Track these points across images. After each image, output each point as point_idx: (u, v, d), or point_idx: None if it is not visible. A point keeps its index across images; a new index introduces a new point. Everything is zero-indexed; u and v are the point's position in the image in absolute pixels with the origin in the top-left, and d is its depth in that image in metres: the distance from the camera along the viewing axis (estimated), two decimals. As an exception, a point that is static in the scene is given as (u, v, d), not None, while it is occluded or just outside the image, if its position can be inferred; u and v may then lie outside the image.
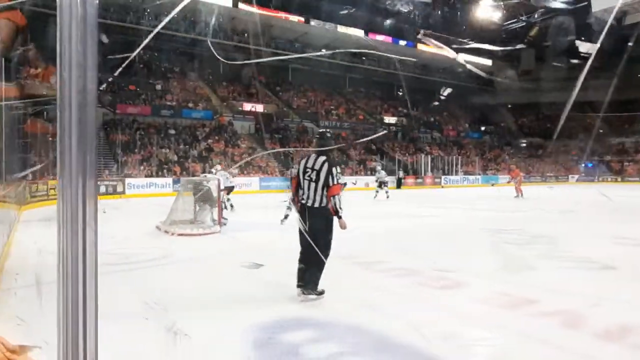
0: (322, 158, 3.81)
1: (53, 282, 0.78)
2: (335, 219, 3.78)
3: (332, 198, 3.70)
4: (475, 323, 3.40)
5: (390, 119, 36.55)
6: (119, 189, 17.82)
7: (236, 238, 7.48)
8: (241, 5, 27.64)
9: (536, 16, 34.19)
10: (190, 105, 27.57)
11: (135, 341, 2.96)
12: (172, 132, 24.96)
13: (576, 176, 34.12)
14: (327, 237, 3.80)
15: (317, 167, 3.77)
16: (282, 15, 29.75)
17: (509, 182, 17.60)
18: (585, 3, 26.83)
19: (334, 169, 3.74)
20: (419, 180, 28.30)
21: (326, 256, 3.73)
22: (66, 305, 0.70)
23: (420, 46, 35.32)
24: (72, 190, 0.67)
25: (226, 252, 6.29)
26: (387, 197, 15.90)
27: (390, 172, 27.40)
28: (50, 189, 15.07)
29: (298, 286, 3.80)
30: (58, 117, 0.64)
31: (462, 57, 33.39)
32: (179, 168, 21.44)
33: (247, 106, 29.35)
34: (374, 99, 38.92)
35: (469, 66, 3.62)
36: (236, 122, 28.79)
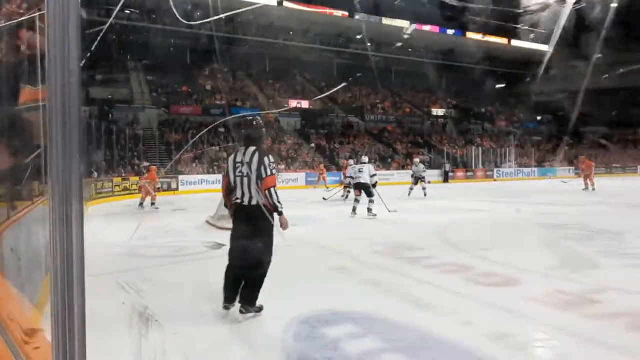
0: (252, 149, 3.29)
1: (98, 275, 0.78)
2: (276, 218, 3.27)
3: (267, 192, 3.18)
4: (528, 323, 3.20)
5: (438, 111, 35.56)
6: (173, 186, 18.72)
7: (279, 233, 7.54)
8: (286, 4, 27.87)
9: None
10: (239, 103, 28.30)
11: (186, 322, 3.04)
12: (222, 130, 25.75)
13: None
14: (268, 241, 3.30)
15: (247, 159, 3.25)
16: (327, 10, 29.66)
17: (578, 174, 16.34)
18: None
19: (266, 159, 3.23)
20: (470, 174, 27.34)
21: (268, 264, 3.29)
22: (57, 298, 0.72)
23: (469, 34, 34.02)
24: (59, 191, 0.67)
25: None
26: (425, 194, 14.13)
27: (438, 166, 26.66)
28: (115, 186, 16.13)
29: (227, 301, 3.28)
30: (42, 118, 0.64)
31: (515, 44, 31.85)
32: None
33: (293, 103, 29.68)
34: (421, 91, 38.00)
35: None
36: (282, 119, 29.24)
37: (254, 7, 25.11)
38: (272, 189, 3.20)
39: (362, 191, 9.46)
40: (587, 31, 35.49)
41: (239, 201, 3.28)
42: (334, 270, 4.77)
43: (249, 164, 3.23)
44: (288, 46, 31.93)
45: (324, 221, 8.88)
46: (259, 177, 3.20)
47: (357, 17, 30.75)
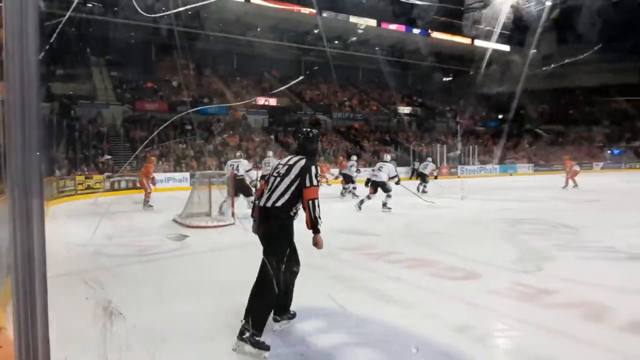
0: (300, 156, 2.99)
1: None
2: (307, 233, 2.89)
3: (309, 203, 2.79)
4: (490, 314, 3.33)
5: (404, 109, 36.17)
6: (139, 184, 18.18)
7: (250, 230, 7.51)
8: (254, 0, 27.58)
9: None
10: (206, 100, 27.84)
11: (154, 322, 2.98)
12: (189, 127, 25.29)
13: (601, 164, 33.11)
14: (283, 253, 2.89)
15: (291, 162, 2.95)
16: (295, 7, 29.54)
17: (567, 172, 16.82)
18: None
19: (313, 167, 2.88)
20: (435, 171, 27.98)
21: (270, 289, 2.77)
22: (19, 296, 0.70)
23: (434, 34, 34.74)
24: (18, 188, 0.65)
25: (239, 244, 6.31)
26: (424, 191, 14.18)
27: (405, 163, 27.15)
28: (78, 184, 15.61)
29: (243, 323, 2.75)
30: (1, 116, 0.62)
31: (478, 43, 32.78)
32: (195, 163, 21.76)
33: (261, 100, 29.48)
34: (388, 90, 38.53)
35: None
36: (250, 116, 29.01)
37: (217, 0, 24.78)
38: (316, 201, 2.82)
39: (378, 188, 9.67)
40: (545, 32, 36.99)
41: (261, 202, 2.91)
42: (303, 266, 4.79)
43: (291, 167, 2.91)
44: (255, 43, 31.60)
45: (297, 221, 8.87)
46: (302, 184, 2.83)
47: (324, 14, 30.80)
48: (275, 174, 2.97)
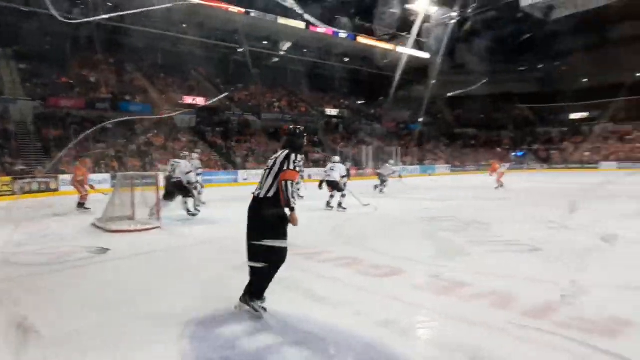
0: (286, 150, 3.40)
1: None
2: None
3: (283, 183, 3.16)
4: (412, 308, 3.55)
5: (332, 111, 36.95)
6: (53, 186, 16.75)
7: (177, 233, 7.27)
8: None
9: (469, 10, 35.87)
10: (127, 98, 26.26)
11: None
12: (109, 126, 23.68)
13: (507, 165, 36.44)
14: (274, 236, 3.19)
15: (277, 156, 3.39)
16: (222, 5, 28.85)
17: (490, 174, 17.87)
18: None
19: (292, 155, 3.30)
20: (360, 172, 28.89)
21: (275, 261, 3.23)
22: None
23: (360, 39, 35.86)
24: None
25: (165, 248, 6.08)
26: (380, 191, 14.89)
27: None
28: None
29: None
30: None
31: (401, 50, 34.48)
32: (116, 163, 20.42)
33: (188, 99, 28.47)
34: (316, 91, 39.11)
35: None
36: (176, 116, 27.83)
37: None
38: (289, 182, 3.17)
39: (334, 188, 9.97)
40: (459, 42, 39.84)
41: (254, 193, 3.34)
42: (234, 269, 4.76)
43: (276, 159, 3.34)
44: (181, 40, 30.41)
45: (227, 221, 8.70)
46: (280, 169, 3.23)
47: (252, 14, 30.46)
48: (266, 168, 3.37)
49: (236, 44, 33.35)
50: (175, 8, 26.80)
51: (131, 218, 8.22)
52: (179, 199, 8.93)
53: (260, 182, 3.34)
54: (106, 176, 18.57)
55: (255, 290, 3.28)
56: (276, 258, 3.24)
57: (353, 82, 40.64)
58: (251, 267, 3.27)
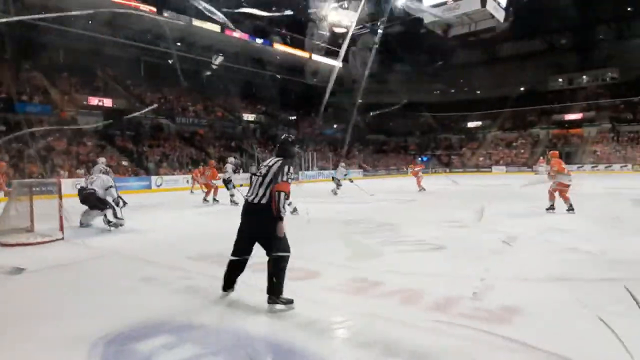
0: (278, 158, 3.65)
1: None
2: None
3: (276, 193, 3.39)
4: (329, 309, 3.67)
5: (249, 116, 36.60)
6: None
7: (82, 245, 6.69)
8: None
9: (379, 24, 37.85)
10: (25, 98, 23.54)
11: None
12: (2, 128, 21.11)
13: (419, 169, 39.16)
14: (282, 238, 3.52)
15: (270, 164, 3.62)
16: (132, 2, 27.14)
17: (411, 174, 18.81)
18: (419, 16, 30.49)
19: (286, 167, 3.51)
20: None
21: (285, 257, 3.55)
22: None
23: (276, 45, 36.04)
24: None
25: (69, 261, 5.56)
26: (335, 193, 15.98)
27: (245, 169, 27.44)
28: None
29: (225, 287, 3.84)
30: None
31: (315, 58, 35.21)
32: (12, 170, 18.16)
33: (94, 100, 26.33)
34: (233, 97, 38.48)
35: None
36: (80, 118, 25.57)
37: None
38: (282, 194, 3.41)
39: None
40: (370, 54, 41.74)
41: (249, 199, 3.58)
42: (146, 281, 4.51)
43: (270, 167, 3.56)
44: (86, 37, 27.95)
45: (136, 230, 8.17)
46: (273, 180, 3.46)
47: (165, 14, 29.10)
48: (258, 174, 3.60)
49: (148, 44, 31.46)
50: (81, 3, 24.69)
51: (30, 230, 7.43)
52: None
53: (252, 188, 3.59)
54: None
55: (277, 285, 3.51)
56: (288, 247, 3.56)
57: (270, 88, 40.63)
58: (273, 264, 3.50)
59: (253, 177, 3.67)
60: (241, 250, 3.71)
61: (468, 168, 42.66)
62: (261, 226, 3.52)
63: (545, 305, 3.62)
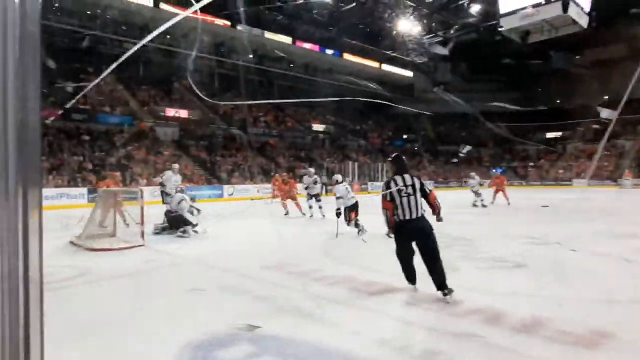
0: (408, 175, 4.36)
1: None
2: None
3: (436, 200, 4.42)
4: (407, 325, 3.54)
5: (319, 127, 37.15)
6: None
7: (162, 252, 7.11)
8: (163, 6, 26.56)
9: (452, 32, 36.81)
10: (107, 109, 25.89)
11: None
12: (87, 138, 23.26)
13: (488, 181, 37.22)
14: (435, 238, 4.25)
15: (409, 183, 4.28)
16: (208, 18, 28.94)
17: (489, 186, 17.69)
18: (495, 22, 29.40)
19: (422, 180, 4.44)
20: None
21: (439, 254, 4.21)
22: (3, 345, 0.62)
23: (346, 56, 36.39)
24: (10, 206, 0.57)
25: (150, 268, 5.94)
26: (480, 205, 14.99)
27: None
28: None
29: (413, 282, 4.46)
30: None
31: (385, 68, 35.01)
32: (94, 177, 19.95)
33: (171, 112, 28.23)
34: (303, 107, 39.34)
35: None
36: (158, 129, 27.53)
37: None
38: (437, 198, 4.46)
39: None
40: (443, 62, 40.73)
41: (405, 218, 4.22)
42: (224, 289, 4.66)
43: (413, 186, 4.28)
44: (164, 51, 30.22)
45: (214, 237, 8.57)
46: (425, 194, 4.33)
47: (239, 28, 30.64)
48: (404, 195, 4.24)
49: (222, 57, 33.29)
50: (159, 18, 26.83)
51: (113, 235, 8.00)
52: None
53: (408, 206, 4.22)
54: (83, 191, 18.12)
55: (444, 278, 4.10)
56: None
57: (339, 97, 41.07)
58: (438, 263, 4.12)
59: (403, 199, 4.22)
60: (411, 257, 4.37)
61: (546, 181, 39.76)
62: (424, 232, 4.22)
63: (638, 332, 3.27)
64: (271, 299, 4.22)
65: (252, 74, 35.74)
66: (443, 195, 20.58)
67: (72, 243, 7.57)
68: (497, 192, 16.58)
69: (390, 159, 4.65)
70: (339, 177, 9.24)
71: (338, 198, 8.42)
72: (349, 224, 8.37)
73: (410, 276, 4.44)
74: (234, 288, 4.69)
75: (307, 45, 34.79)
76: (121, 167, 21.54)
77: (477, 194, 15.65)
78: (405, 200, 4.19)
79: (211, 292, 4.54)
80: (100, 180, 16.35)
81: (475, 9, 33.09)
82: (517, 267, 5.64)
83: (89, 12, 26.68)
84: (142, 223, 7.72)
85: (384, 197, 4.31)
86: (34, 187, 0.62)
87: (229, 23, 30.14)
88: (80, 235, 7.72)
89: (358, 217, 8.45)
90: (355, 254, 6.73)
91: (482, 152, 47.42)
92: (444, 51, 34.91)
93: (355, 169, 31.44)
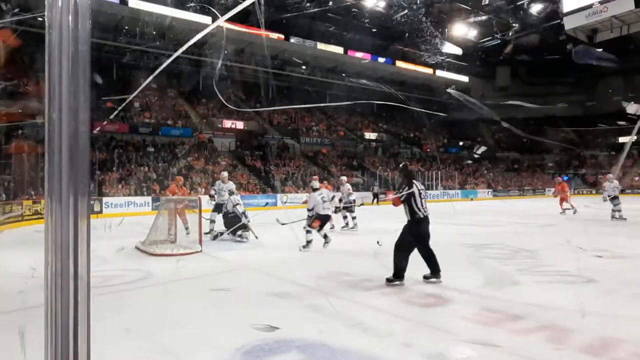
0: (419, 182, 5.33)
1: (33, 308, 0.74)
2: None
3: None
4: (461, 341, 3.39)
5: (370, 135, 36.97)
6: (96, 208, 17.50)
7: (219, 258, 7.35)
8: (224, 24, 27.70)
9: (510, 34, 35.36)
10: (169, 122, 27.42)
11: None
12: (151, 149, 24.72)
13: (552, 189, 35.02)
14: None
15: (423, 188, 5.32)
16: (262, 32, 29.87)
17: (554, 195, 16.81)
18: (558, 21, 27.98)
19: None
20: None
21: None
22: (55, 334, 0.67)
23: (398, 63, 36.05)
24: (63, 211, 0.63)
25: (207, 273, 6.15)
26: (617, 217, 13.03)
27: (369, 188, 27.48)
28: (26, 208, 14.63)
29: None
30: (46, 168, 0.61)
31: (439, 73, 34.33)
32: (158, 186, 21.15)
33: (227, 123, 29.37)
34: (355, 115, 39.37)
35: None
36: (216, 140, 28.74)
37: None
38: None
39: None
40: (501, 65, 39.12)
41: (426, 214, 5.16)
42: (278, 296, 4.72)
43: (425, 191, 5.32)
44: (223, 65, 31.54)
45: (268, 245, 8.77)
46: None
47: (292, 40, 31.40)
48: (424, 196, 5.21)
49: (276, 69, 34.22)
50: (217, 35, 27.98)
51: (173, 241, 8.40)
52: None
53: (422, 205, 5.14)
54: (147, 199, 19.23)
55: (437, 266, 5.14)
56: None
57: (391, 106, 40.74)
58: (432, 253, 5.14)
59: (421, 199, 5.14)
60: (410, 252, 5.21)
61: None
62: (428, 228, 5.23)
63: None
64: (323, 308, 4.21)
65: (304, 85, 36.42)
66: (504, 205, 19.73)
67: (136, 248, 8.05)
68: (561, 201, 15.63)
69: (401, 168, 5.64)
70: (314, 184, 8.65)
71: (309, 210, 8.24)
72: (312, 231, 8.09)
73: (402, 272, 5.01)
74: (284, 295, 4.74)
75: (359, 54, 34.85)
76: (182, 177, 22.67)
77: (614, 200, 13.00)
78: (424, 201, 5.16)
79: (262, 298, 4.62)
80: (164, 189, 17.28)
81: (536, 8, 31.63)
82: (585, 282, 5.23)
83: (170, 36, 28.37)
84: (200, 230, 8.08)
85: (399, 197, 5.14)
86: (83, 195, 0.67)
87: (282, 36, 30.96)
88: (143, 240, 8.18)
89: (322, 229, 8.21)
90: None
91: (545, 158, 44.89)
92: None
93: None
